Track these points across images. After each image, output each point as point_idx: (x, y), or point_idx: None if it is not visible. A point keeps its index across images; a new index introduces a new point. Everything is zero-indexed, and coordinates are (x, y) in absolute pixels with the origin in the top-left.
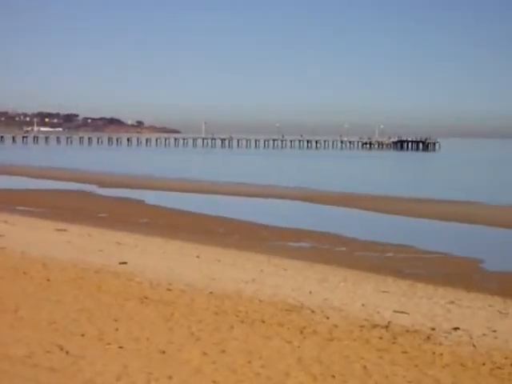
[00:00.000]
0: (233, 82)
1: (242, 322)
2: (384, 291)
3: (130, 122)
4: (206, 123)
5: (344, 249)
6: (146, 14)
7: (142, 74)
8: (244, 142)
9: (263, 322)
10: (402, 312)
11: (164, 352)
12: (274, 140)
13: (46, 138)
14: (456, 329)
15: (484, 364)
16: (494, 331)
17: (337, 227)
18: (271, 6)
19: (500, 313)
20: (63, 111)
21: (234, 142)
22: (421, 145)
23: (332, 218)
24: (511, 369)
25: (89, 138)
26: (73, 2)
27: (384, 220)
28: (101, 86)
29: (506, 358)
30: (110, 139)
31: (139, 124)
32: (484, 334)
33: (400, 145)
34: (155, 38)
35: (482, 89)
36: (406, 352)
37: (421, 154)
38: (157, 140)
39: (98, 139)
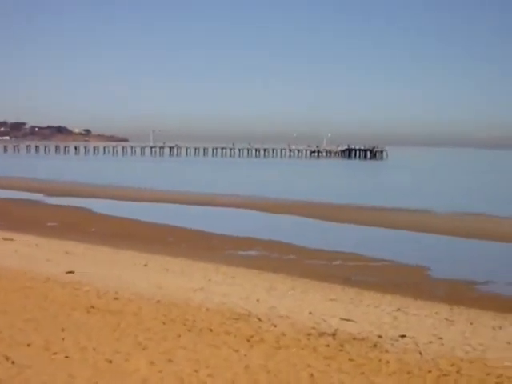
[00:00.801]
0: (181, 90)
1: (189, 330)
2: (332, 299)
3: (77, 131)
4: (154, 132)
5: (293, 257)
6: (91, 22)
7: (89, 82)
8: (192, 150)
9: (211, 330)
10: (349, 320)
11: (111, 361)
12: (222, 148)
13: None
14: (403, 336)
15: (430, 371)
16: (441, 338)
17: (286, 235)
18: (219, 12)
19: (446, 320)
20: (10, 119)
21: (183, 151)
22: (368, 153)
23: (281, 226)
24: (457, 376)
25: (36, 147)
26: (22, 3)
27: (333, 228)
28: (48, 95)
29: (452, 365)
30: (57, 148)
31: (87, 132)
32: (430, 342)
33: (348, 153)
34: (102, 46)
35: (430, 97)
36: (352, 360)
37: (368, 163)
38: (104, 148)
39: (46, 148)
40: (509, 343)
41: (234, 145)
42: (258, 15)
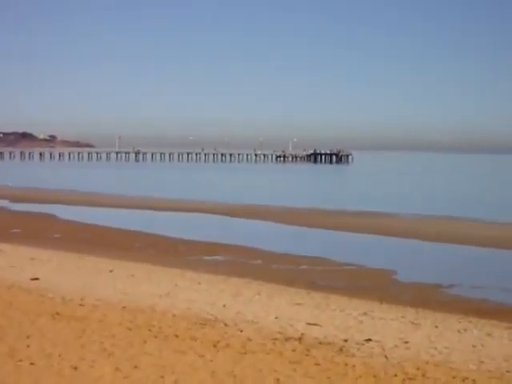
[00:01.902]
0: (147, 95)
1: (155, 336)
2: (298, 303)
3: (42, 137)
4: (119, 137)
5: (259, 262)
6: (59, 26)
7: (54, 87)
8: (158, 155)
9: (176, 336)
10: (315, 324)
11: (76, 368)
12: (188, 153)
13: None
14: (368, 340)
15: (396, 375)
16: (406, 342)
17: (252, 240)
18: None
19: (412, 323)
20: None
21: (148, 156)
22: (334, 157)
23: (247, 231)
24: (423, 380)
25: (0, 153)
26: None
27: (298, 233)
28: (12, 100)
29: (418, 368)
30: (22, 154)
31: (52, 138)
32: (396, 345)
33: (314, 157)
34: (67, 50)
35: (394, 101)
36: (318, 364)
37: (334, 167)
38: (70, 154)
39: (10, 154)
40: (474, 346)
41: (203, 150)
42: (215, 20)
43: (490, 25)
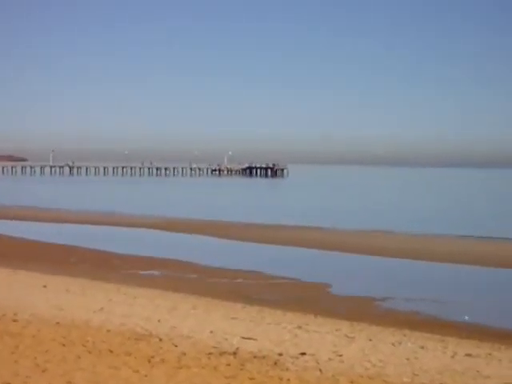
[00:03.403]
0: (79, 108)
1: (89, 352)
2: (233, 318)
3: None
4: (53, 151)
5: (195, 276)
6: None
7: None
8: (92, 169)
9: (111, 351)
10: (250, 338)
11: None
12: (123, 167)
13: None
14: (303, 354)
15: None
16: (341, 355)
17: (188, 255)
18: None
19: (347, 337)
20: None
21: (83, 170)
22: (269, 171)
23: (183, 245)
24: None
25: None
26: None
27: (234, 246)
28: None
29: (352, 382)
30: None
31: None
32: (330, 359)
33: (249, 171)
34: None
35: (330, 115)
36: (253, 378)
37: (269, 181)
38: (3, 168)
39: None
40: (407, 359)
41: (143, 164)
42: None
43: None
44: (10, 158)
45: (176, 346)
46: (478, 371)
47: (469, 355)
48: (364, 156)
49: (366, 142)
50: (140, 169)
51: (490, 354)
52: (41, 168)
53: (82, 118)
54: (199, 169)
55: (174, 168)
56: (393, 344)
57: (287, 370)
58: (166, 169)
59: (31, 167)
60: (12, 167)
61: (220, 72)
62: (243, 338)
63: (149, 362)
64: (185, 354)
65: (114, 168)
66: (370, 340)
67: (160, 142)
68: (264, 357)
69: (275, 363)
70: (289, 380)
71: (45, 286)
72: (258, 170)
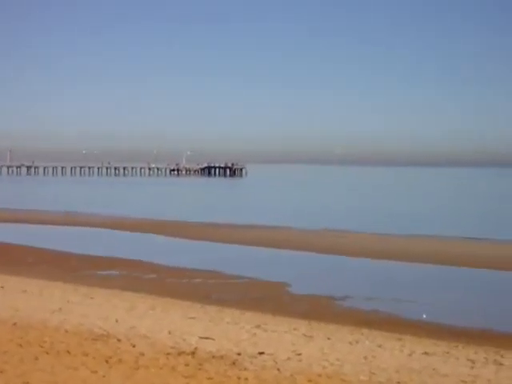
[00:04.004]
0: (39, 108)
1: (47, 352)
2: (192, 317)
3: None
4: (11, 151)
5: (153, 276)
6: None
7: None
8: (50, 169)
9: (68, 352)
10: (209, 338)
11: None
12: (81, 167)
13: None
14: (261, 353)
15: None
16: (299, 354)
17: (146, 254)
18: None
19: (305, 336)
20: None
21: (41, 170)
22: (228, 171)
23: (141, 245)
24: None
25: None
26: None
27: (193, 246)
28: None
29: (310, 380)
30: None
31: None
32: (289, 358)
33: (208, 171)
34: None
35: (290, 114)
36: (211, 378)
37: (228, 180)
38: None
39: None
40: (365, 357)
41: (103, 163)
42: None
43: None
44: None
45: (134, 346)
46: (435, 369)
47: (426, 354)
48: (324, 155)
49: (326, 141)
50: (98, 169)
51: (447, 353)
52: None
53: (42, 117)
54: (158, 169)
55: (132, 168)
56: (351, 343)
57: (245, 369)
58: (124, 169)
59: None
60: None
61: (180, 73)
62: (201, 337)
63: (107, 362)
64: (143, 354)
65: (72, 168)
66: (329, 339)
67: (119, 142)
68: (222, 356)
69: (233, 363)
70: (247, 379)
71: (2, 287)
72: (217, 170)
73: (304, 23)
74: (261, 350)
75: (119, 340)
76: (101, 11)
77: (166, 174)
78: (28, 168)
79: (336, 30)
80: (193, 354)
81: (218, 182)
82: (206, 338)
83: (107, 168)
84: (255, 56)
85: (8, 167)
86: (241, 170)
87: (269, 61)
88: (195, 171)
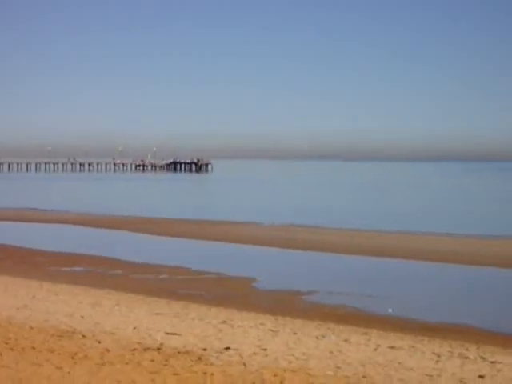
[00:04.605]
0: (5, 105)
1: (11, 349)
2: (157, 313)
3: None
4: None
5: (119, 272)
6: None
7: None
8: (15, 165)
9: (33, 348)
10: (174, 333)
11: None
12: (46, 163)
13: None
14: (227, 348)
15: (254, 382)
16: (265, 349)
17: (112, 251)
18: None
19: (271, 331)
20: None
21: (5, 166)
22: (194, 166)
23: (107, 241)
24: None
25: None
26: None
27: (158, 242)
28: None
29: (275, 375)
30: None
31: None
32: (255, 353)
33: (174, 166)
34: None
35: (256, 111)
36: (177, 374)
37: (193, 176)
38: None
39: None
40: (331, 352)
41: (75, 159)
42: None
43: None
44: None
45: (99, 343)
46: (400, 363)
47: (392, 347)
48: (290, 150)
49: (291, 137)
50: (63, 165)
51: (413, 347)
52: None
53: (3, 113)
54: (123, 164)
55: (97, 164)
56: (317, 337)
57: (211, 364)
58: (89, 164)
59: None
60: None
61: (146, 70)
62: (167, 333)
63: (72, 358)
64: (108, 350)
65: (36, 164)
66: (295, 334)
67: (83, 138)
68: (188, 352)
69: (199, 358)
70: (213, 375)
71: None
72: (183, 166)
73: (269, 20)
74: (227, 346)
75: (84, 336)
76: None
77: (131, 170)
78: None
79: (301, 29)
80: (158, 349)
81: (183, 178)
82: (172, 334)
83: (72, 164)
84: (221, 51)
85: None
86: (206, 165)
87: (233, 56)
88: (161, 167)
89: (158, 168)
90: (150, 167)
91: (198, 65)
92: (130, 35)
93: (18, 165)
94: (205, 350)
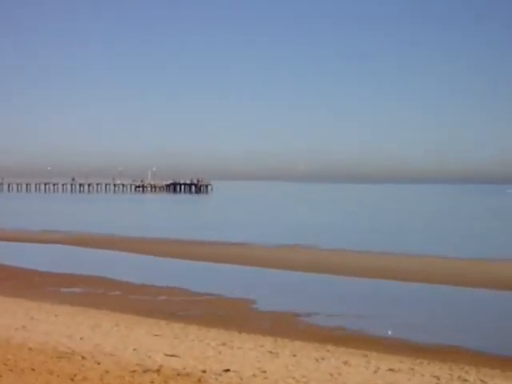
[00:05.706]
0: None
1: (10, 370)
2: (156, 335)
3: None
4: None
5: (118, 293)
6: None
7: None
8: (15, 186)
9: (33, 370)
10: (174, 355)
11: None
12: (45, 184)
13: None
14: (227, 370)
15: None
16: (264, 372)
17: (110, 271)
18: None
19: (270, 353)
20: None
21: (5, 187)
22: (193, 187)
23: (106, 262)
24: None
25: None
26: None
27: (158, 263)
28: None
29: None
30: None
31: None
32: (254, 375)
33: (173, 187)
34: None
35: (254, 132)
36: None
37: (193, 197)
38: None
39: None
40: (331, 374)
41: (74, 180)
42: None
43: None
44: None
45: (99, 364)
46: None
47: (391, 370)
48: (288, 172)
49: (290, 158)
50: (63, 185)
51: (412, 369)
52: None
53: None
54: (123, 185)
55: (97, 184)
56: (316, 360)
57: None
58: (89, 185)
59: None
60: None
61: (148, 89)
62: (167, 355)
63: (72, 380)
64: (108, 371)
65: (36, 184)
66: (294, 356)
67: (83, 158)
68: (188, 374)
69: (199, 380)
70: None
71: None
72: (182, 186)
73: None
74: (226, 367)
75: (84, 358)
76: None
77: (131, 191)
78: None
79: (299, 41)
80: (158, 371)
81: (183, 199)
82: (172, 356)
83: (72, 184)
84: (214, 71)
85: None
86: (206, 186)
87: (230, 75)
88: (160, 188)
89: (157, 189)
90: (149, 188)
91: (201, 85)
92: (132, 51)
93: (17, 185)
94: (204, 371)
